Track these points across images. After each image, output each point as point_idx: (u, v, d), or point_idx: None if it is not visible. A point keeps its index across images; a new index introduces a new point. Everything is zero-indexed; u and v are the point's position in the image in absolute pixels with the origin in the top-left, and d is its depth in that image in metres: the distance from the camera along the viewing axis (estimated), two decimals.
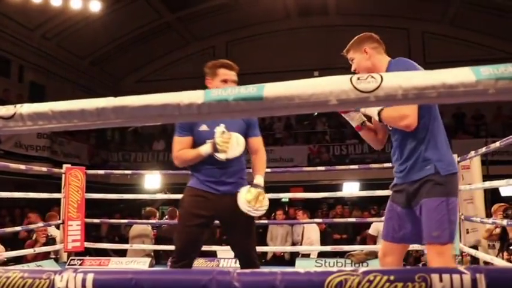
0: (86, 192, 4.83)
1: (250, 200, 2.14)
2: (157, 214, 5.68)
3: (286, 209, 7.78)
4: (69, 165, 4.84)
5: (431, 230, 1.71)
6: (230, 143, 2.18)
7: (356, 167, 4.94)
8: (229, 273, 0.87)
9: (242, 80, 1.91)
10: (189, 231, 2.23)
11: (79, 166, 5.01)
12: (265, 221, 5.49)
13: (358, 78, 0.79)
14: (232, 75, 2.27)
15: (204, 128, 2.26)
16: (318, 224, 5.98)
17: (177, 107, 0.91)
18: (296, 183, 10.36)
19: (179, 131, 2.31)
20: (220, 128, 2.23)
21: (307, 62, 12.59)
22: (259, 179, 2.26)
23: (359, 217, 6.93)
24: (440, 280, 0.82)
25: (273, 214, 6.35)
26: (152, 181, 7.44)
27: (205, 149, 2.21)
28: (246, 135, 2.30)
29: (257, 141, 2.34)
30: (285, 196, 5.70)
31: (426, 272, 0.84)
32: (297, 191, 9.04)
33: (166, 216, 6.19)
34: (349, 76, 0.82)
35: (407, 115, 1.74)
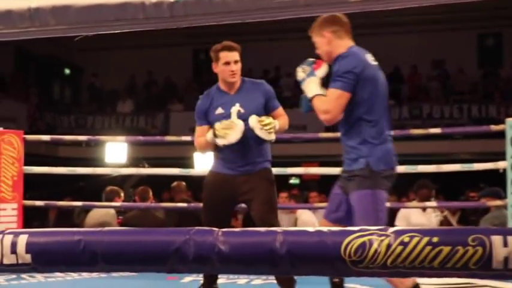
0: (25, 165, 4.73)
1: (261, 120, 2.78)
2: (122, 195, 5.69)
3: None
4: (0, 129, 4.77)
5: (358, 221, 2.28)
6: (230, 129, 2.75)
7: (391, 133, 4.91)
8: (212, 232, 0.86)
9: None
10: (213, 213, 2.90)
11: (15, 131, 4.93)
12: None
13: None
14: (233, 56, 2.86)
15: (219, 111, 2.87)
16: None
17: (140, 8, 0.88)
18: (310, 158, 10.40)
19: (196, 119, 2.97)
20: (235, 108, 2.85)
21: None
22: None
23: (395, 202, 6.96)
24: (505, 244, 0.80)
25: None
26: (116, 152, 7.43)
27: (208, 134, 2.83)
28: (267, 110, 2.91)
29: (279, 112, 2.97)
30: (294, 172, 5.72)
31: (484, 233, 0.82)
32: (311, 166, 9.06)
33: (135, 198, 6.22)
34: None
35: (328, 111, 2.32)
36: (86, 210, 6.25)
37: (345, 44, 2.41)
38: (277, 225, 2.76)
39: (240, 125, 2.78)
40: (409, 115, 11.33)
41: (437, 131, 4.55)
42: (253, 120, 2.77)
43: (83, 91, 14.62)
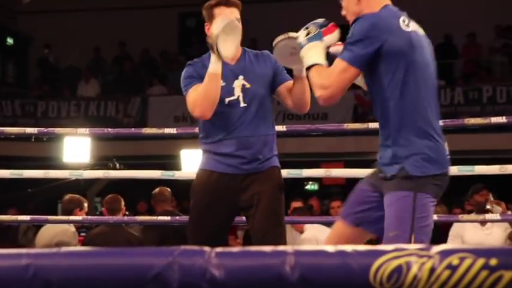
0: None
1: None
2: (86, 205, 5.72)
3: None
4: None
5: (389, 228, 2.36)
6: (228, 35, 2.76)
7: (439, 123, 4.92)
8: (202, 253, 0.87)
9: None
10: (205, 228, 2.93)
11: None
12: None
13: None
14: (231, 12, 2.91)
15: (221, 83, 2.88)
16: None
17: None
18: (332, 156, 10.42)
19: (186, 83, 2.97)
20: (238, 82, 2.91)
21: None
22: None
23: (445, 215, 6.98)
24: None
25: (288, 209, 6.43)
26: (77, 149, 7.46)
27: (212, 63, 2.80)
28: (276, 84, 3.01)
29: (291, 84, 3.00)
30: (311, 175, 5.72)
31: None
32: (334, 167, 9.06)
33: (103, 209, 6.25)
34: None
35: (326, 86, 2.34)
36: (36, 226, 6.27)
37: (378, 2, 2.42)
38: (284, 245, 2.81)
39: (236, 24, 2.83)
40: (465, 100, 11.31)
41: (502, 120, 4.54)
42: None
43: (31, 67, 14.63)
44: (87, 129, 5.73)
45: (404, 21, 2.39)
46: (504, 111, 10.21)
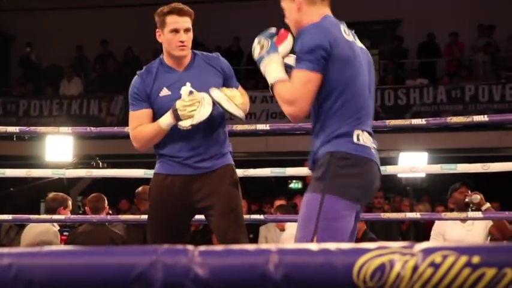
0: None
1: (225, 90, 2.86)
2: (70, 203, 5.69)
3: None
4: None
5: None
6: (195, 105, 2.80)
7: (422, 122, 4.94)
8: (186, 252, 0.87)
9: None
10: (164, 232, 2.98)
11: None
12: (260, 216, 5.53)
13: None
14: (183, 22, 2.92)
15: (165, 92, 2.94)
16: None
17: None
18: None
19: (133, 102, 3.04)
20: (186, 88, 2.91)
21: None
22: None
23: (427, 213, 7.01)
24: None
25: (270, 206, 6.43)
26: (59, 148, 7.42)
27: (165, 119, 2.86)
28: None
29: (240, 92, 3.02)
30: (295, 174, 5.74)
31: None
32: None
33: (86, 208, 6.22)
34: None
35: (294, 100, 2.35)
36: (19, 225, 6.24)
37: (318, 11, 2.46)
38: (245, 243, 2.83)
39: (206, 97, 2.82)
40: (447, 98, 11.37)
41: (484, 118, 4.57)
42: (216, 92, 2.81)
43: (13, 66, 14.52)
44: (70, 128, 5.68)
45: (344, 31, 2.44)
46: (486, 110, 10.31)
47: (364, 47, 2.56)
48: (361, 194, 2.41)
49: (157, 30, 2.99)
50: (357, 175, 2.38)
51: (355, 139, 2.39)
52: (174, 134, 2.92)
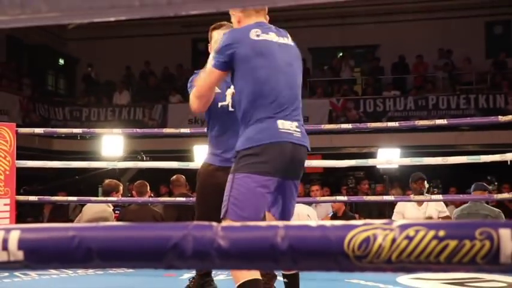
0: (18, 159, 4.66)
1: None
2: (121, 188, 5.69)
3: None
4: None
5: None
6: None
7: (396, 124, 4.91)
8: (211, 227, 0.86)
9: None
10: (209, 198, 2.92)
11: (7, 124, 4.90)
12: None
13: None
14: (218, 34, 2.86)
15: (216, 89, 2.87)
16: (336, 203, 6.10)
17: None
18: (312, 150, 10.37)
19: (191, 84, 2.96)
20: (230, 90, 2.89)
21: None
22: None
23: (399, 196, 6.97)
24: None
25: None
26: (112, 145, 7.44)
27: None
28: None
29: None
30: None
31: (492, 226, 0.82)
32: (313, 159, 9.05)
33: (133, 193, 6.22)
34: None
35: (196, 85, 2.44)
36: (81, 205, 6.26)
37: (253, 22, 2.34)
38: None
39: None
40: (415, 106, 11.32)
41: (444, 122, 4.54)
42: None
43: (78, 82, 14.61)
44: (121, 129, 5.70)
45: (256, 32, 2.26)
46: (445, 115, 10.30)
47: (291, 43, 2.40)
48: (270, 167, 2.19)
49: (208, 44, 3.05)
50: (259, 154, 2.20)
51: (264, 125, 2.23)
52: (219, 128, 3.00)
